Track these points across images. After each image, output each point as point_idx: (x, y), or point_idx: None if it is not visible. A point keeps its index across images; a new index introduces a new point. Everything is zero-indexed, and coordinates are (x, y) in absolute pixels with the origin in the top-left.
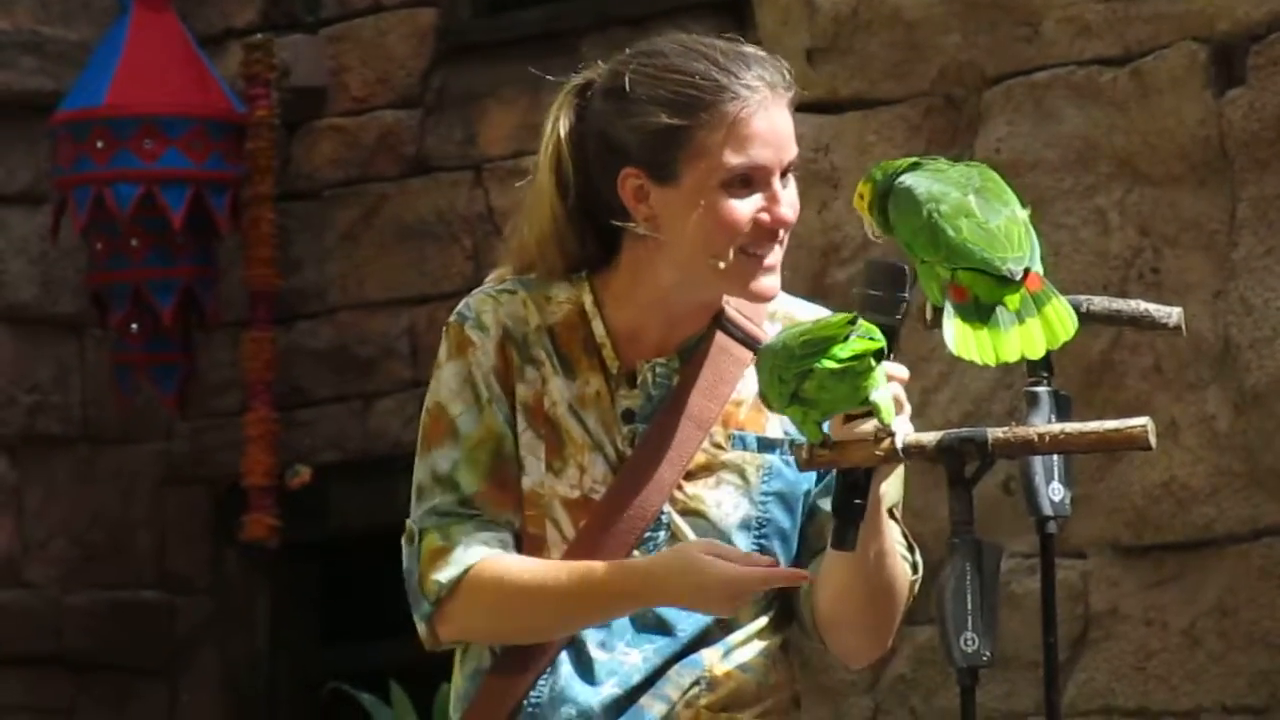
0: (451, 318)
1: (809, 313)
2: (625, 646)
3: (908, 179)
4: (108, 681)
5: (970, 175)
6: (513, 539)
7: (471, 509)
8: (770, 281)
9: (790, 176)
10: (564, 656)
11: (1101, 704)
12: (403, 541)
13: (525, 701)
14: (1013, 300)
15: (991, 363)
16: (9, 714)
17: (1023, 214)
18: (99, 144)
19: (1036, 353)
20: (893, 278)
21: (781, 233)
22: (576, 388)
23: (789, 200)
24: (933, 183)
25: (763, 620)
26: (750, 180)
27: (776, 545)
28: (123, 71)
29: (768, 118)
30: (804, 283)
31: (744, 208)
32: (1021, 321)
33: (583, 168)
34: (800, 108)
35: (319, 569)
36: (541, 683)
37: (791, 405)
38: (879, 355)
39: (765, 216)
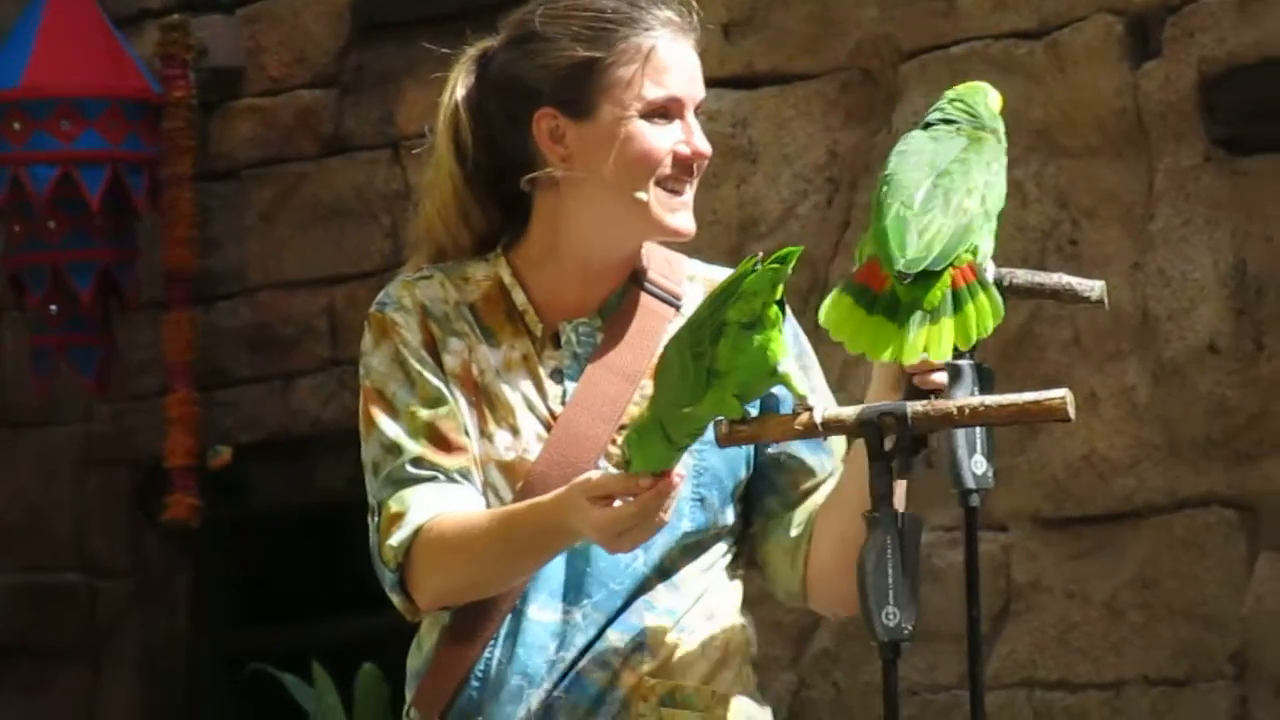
0: (371, 309)
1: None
2: (565, 605)
3: (910, 135)
4: (28, 665)
5: (959, 153)
6: (475, 490)
7: (425, 468)
8: (687, 218)
9: (698, 119)
10: (508, 623)
11: (1024, 676)
12: (368, 520)
13: (474, 671)
14: (931, 298)
15: (886, 359)
16: None
17: (972, 204)
18: (15, 125)
19: (942, 354)
20: None
21: (696, 168)
22: (502, 354)
23: (699, 138)
24: (912, 151)
25: (709, 579)
26: (667, 112)
27: (714, 493)
28: (39, 53)
29: (681, 51)
30: (722, 257)
31: (662, 138)
32: (935, 321)
33: (483, 131)
34: (717, 83)
35: (239, 549)
36: (487, 653)
37: (710, 387)
38: (783, 308)
39: (684, 148)
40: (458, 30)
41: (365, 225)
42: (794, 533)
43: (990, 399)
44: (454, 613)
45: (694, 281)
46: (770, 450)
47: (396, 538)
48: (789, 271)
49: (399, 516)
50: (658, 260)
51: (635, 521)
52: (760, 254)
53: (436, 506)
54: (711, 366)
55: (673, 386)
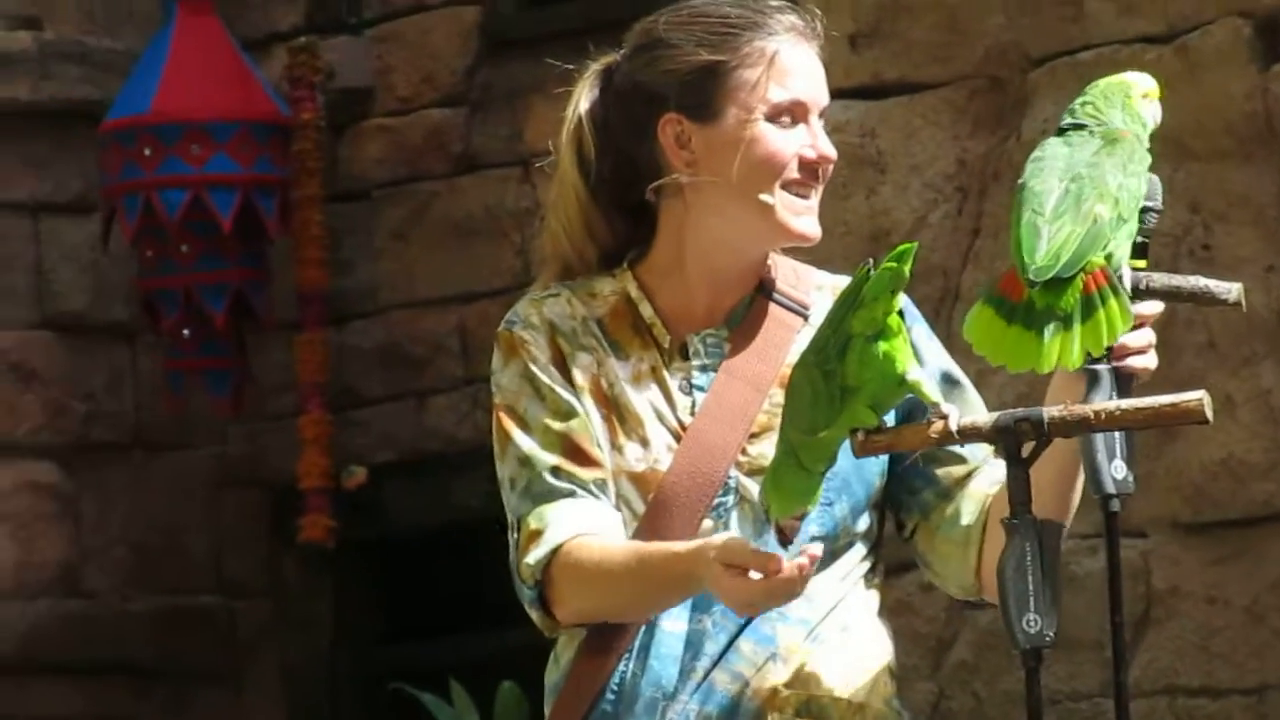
0: (500, 328)
1: None
2: (696, 614)
3: (1047, 142)
4: (169, 688)
5: (1091, 156)
6: (610, 504)
7: (563, 481)
8: (812, 223)
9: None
10: (641, 636)
11: (1166, 684)
12: (507, 537)
13: (609, 684)
14: (1064, 304)
15: (1022, 369)
16: None
17: (1104, 209)
18: (146, 151)
19: (1074, 361)
20: (1147, 188)
21: (821, 173)
22: (631, 367)
23: (825, 144)
24: (1046, 158)
25: (843, 589)
26: (792, 115)
27: (844, 499)
28: (168, 78)
29: (804, 56)
30: (853, 269)
31: (788, 141)
32: (1068, 328)
33: (606, 143)
34: (845, 93)
35: (376, 569)
36: (622, 666)
37: (844, 407)
38: (901, 315)
39: (809, 152)
40: (584, 46)
41: (496, 243)
42: (965, 522)
43: (1126, 403)
44: (590, 627)
45: (822, 291)
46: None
47: (534, 555)
48: (907, 271)
49: (537, 534)
50: (785, 271)
51: (765, 599)
52: (871, 260)
53: (575, 525)
54: (843, 384)
55: (805, 412)
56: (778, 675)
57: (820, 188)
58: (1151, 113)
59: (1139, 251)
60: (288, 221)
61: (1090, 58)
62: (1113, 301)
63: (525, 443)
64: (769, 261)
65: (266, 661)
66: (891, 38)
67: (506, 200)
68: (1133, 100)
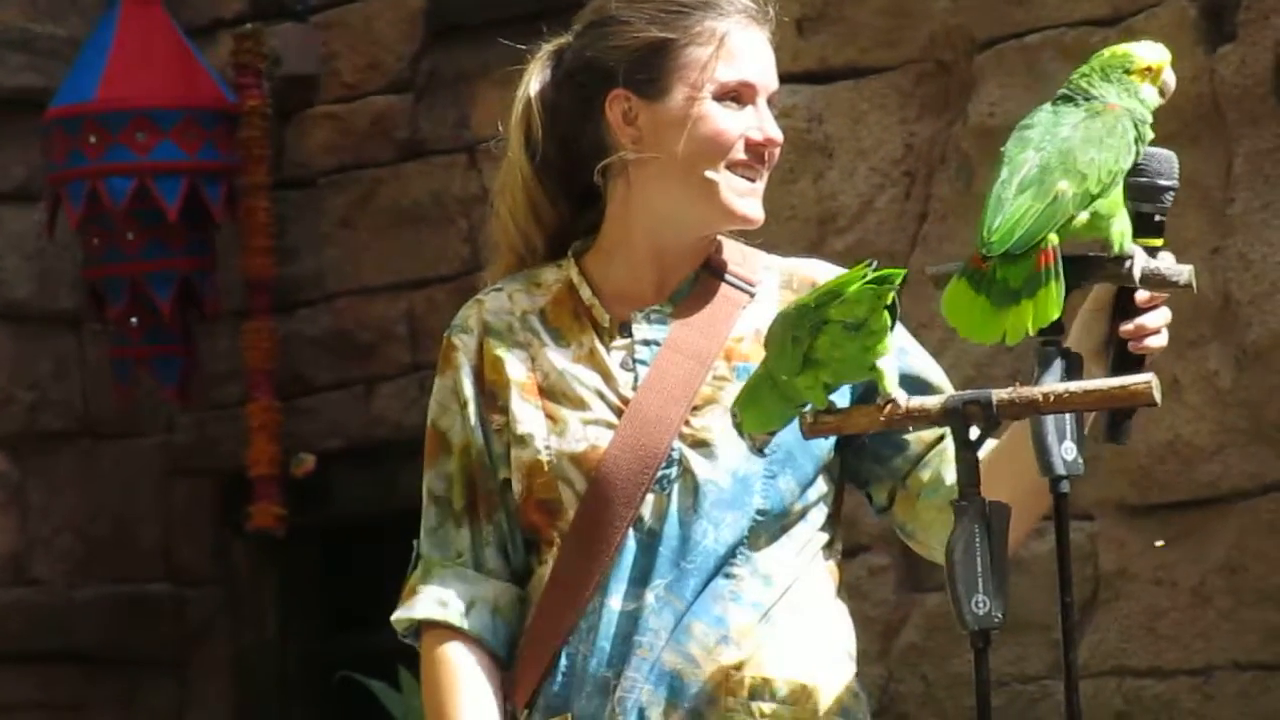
0: (446, 331)
1: (811, 269)
2: (637, 589)
3: (1036, 110)
4: (118, 676)
5: (1070, 130)
6: (497, 556)
7: (455, 540)
8: (755, 206)
9: (772, 111)
10: (588, 615)
11: (1114, 664)
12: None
13: (558, 664)
14: (1015, 275)
15: (973, 339)
16: (20, 711)
17: (1068, 185)
18: (91, 139)
19: (1015, 337)
20: (1160, 165)
21: (768, 156)
22: (571, 351)
23: (773, 128)
24: (1030, 128)
25: (799, 566)
26: (739, 96)
27: (789, 471)
28: (112, 65)
29: (754, 39)
30: (800, 253)
31: (734, 121)
32: (1017, 301)
33: (554, 125)
34: (792, 78)
35: (325, 556)
36: (569, 646)
37: (803, 371)
38: (894, 314)
39: (756, 134)
40: (531, 32)
41: (443, 229)
42: (950, 481)
43: (1075, 385)
44: (536, 607)
45: (770, 270)
46: None
47: (402, 612)
48: (893, 291)
49: (413, 592)
50: (732, 251)
51: None
52: (874, 262)
53: (439, 607)
54: (809, 354)
55: (774, 356)
56: (729, 657)
57: (766, 172)
58: (1150, 91)
59: (1155, 230)
60: (234, 209)
61: (1036, 41)
62: (1052, 284)
63: (436, 481)
64: (716, 244)
65: (215, 649)
66: (838, 22)
67: (453, 186)
68: (1132, 74)
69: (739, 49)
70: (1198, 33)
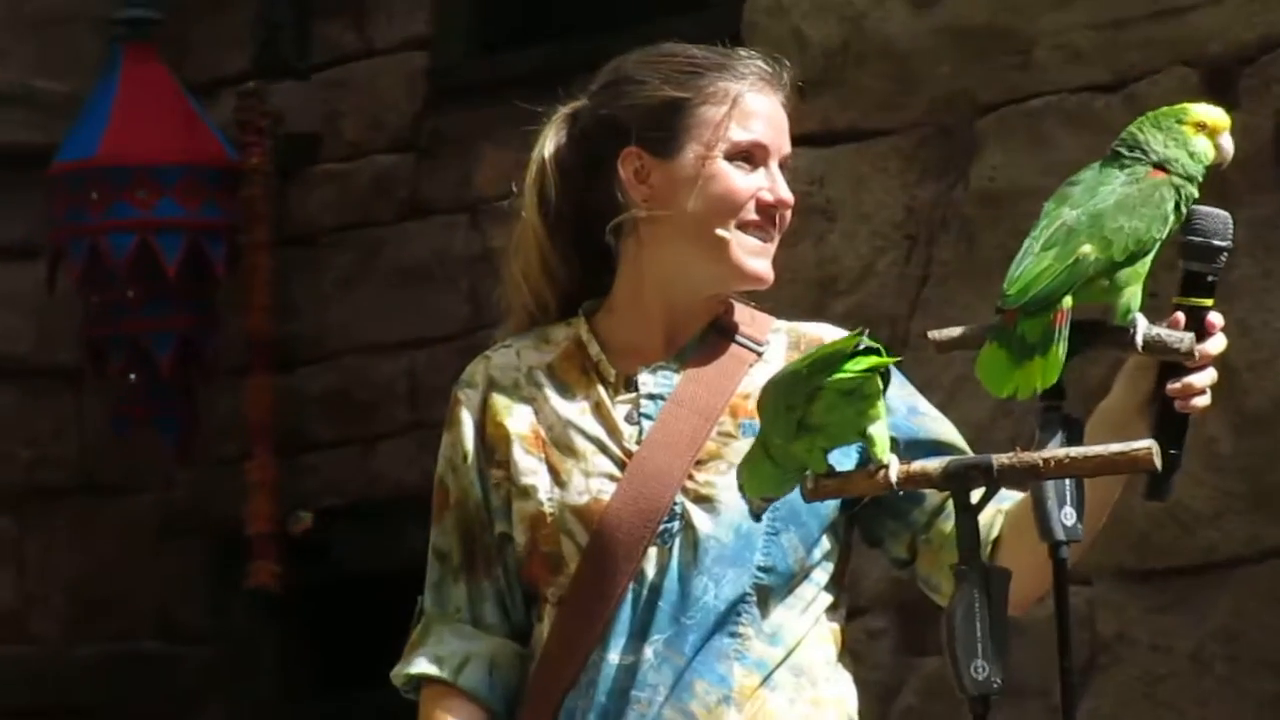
0: (454, 386)
1: (819, 331)
2: (636, 643)
3: (1087, 167)
4: None
5: (1107, 193)
6: (496, 611)
7: (455, 597)
8: (766, 265)
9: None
10: (588, 669)
11: None
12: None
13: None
14: (1031, 330)
15: (994, 394)
16: None
17: (1092, 249)
18: (93, 195)
19: (1027, 394)
20: (1215, 226)
21: (779, 219)
22: (577, 405)
23: (785, 191)
24: (1073, 185)
25: (803, 626)
26: (751, 157)
27: (793, 529)
28: (115, 122)
29: (768, 101)
30: (802, 316)
31: (746, 181)
32: (1031, 357)
33: (568, 186)
34: (793, 140)
35: (323, 615)
36: (569, 702)
37: (799, 438)
38: (885, 378)
39: (768, 195)
40: (533, 93)
41: (444, 289)
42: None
43: (1076, 450)
44: (537, 662)
45: (778, 333)
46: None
47: (400, 667)
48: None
49: (415, 646)
50: (741, 313)
51: None
52: (866, 331)
53: (434, 666)
54: (804, 420)
55: (768, 423)
56: (729, 718)
57: (777, 234)
58: (1204, 145)
59: (1207, 290)
60: (235, 267)
61: (1039, 106)
62: (1055, 349)
63: (439, 536)
64: (726, 306)
65: (212, 708)
66: (840, 85)
67: (455, 246)
68: (1184, 126)
69: (752, 110)
70: (1199, 99)
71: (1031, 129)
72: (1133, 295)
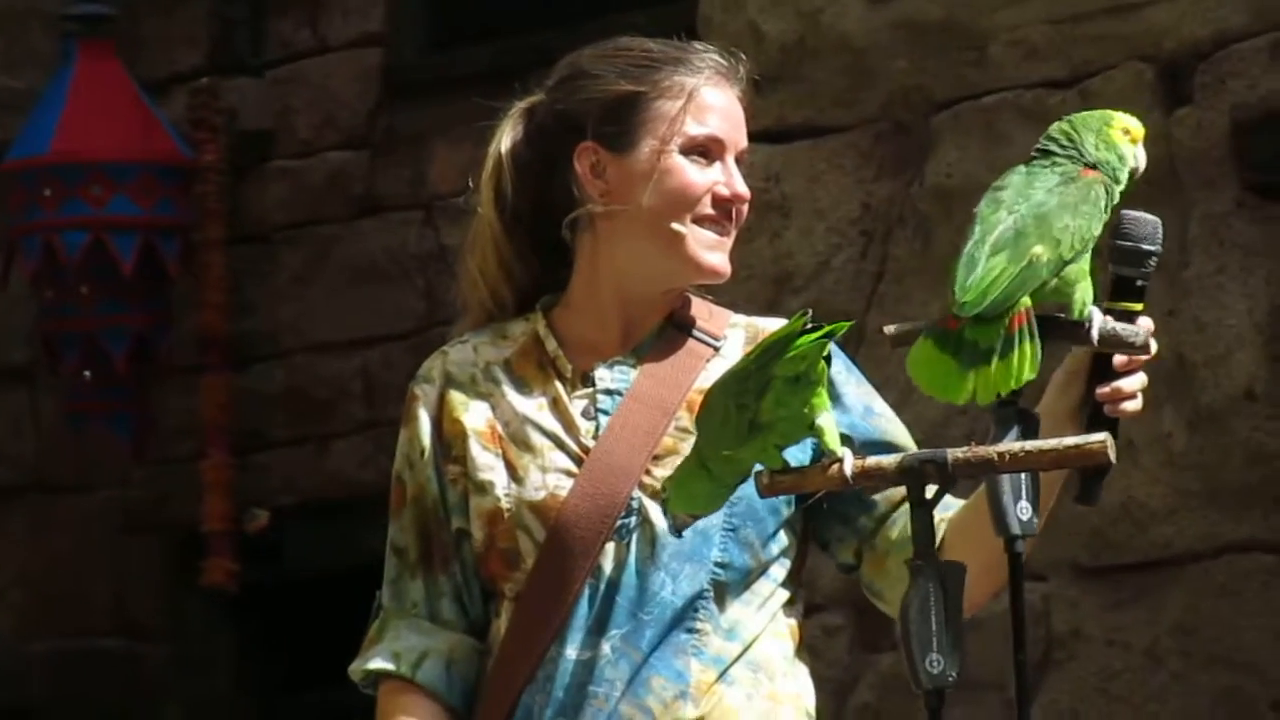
0: (410, 382)
1: (776, 326)
2: (594, 639)
3: (1011, 171)
4: None
5: (1045, 194)
6: (453, 607)
7: (412, 592)
8: (723, 259)
9: (741, 169)
10: (545, 665)
11: None
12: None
13: (515, 715)
14: (986, 336)
15: (943, 399)
16: None
17: (1044, 250)
18: (47, 192)
19: (987, 398)
20: (1144, 231)
21: (735, 213)
22: (533, 401)
23: (742, 185)
24: (1003, 188)
25: (760, 622)
26: (707, 151)
27: (750, 526)
28: (68, 118)
29: (724, 95)
30: (757, 313)
31: (701, 175)
32: (987, 363)
33: (524, 181)
34: (750, 137)
35: (279, 613)
36: (526, 697)
37: (751, 438)
38: (828, 361)
39: (724, 189)
40: (487, 90)
41: (399, 286)
42: None
43: (1031, 444)
44: (494, 657)
45: (736, 328)
46: None
47: (358, 663)
48: (832, 347)
49: (373, 642)
50: (699, 307)
51: None
52: (810, 312)
53: (389, 662)
54: (755, 419)
55: (715, 430)
56: (687, 713)
57: (734, 229)
58: (1130, 150)
59: (1137, 295)
60: (189, 264)
61: (994, 102)
62: (1027, 345)
63: (396, 532)
64: (683, 300)
65: (168, 706)
66: (796, 81)
67: (409, 243)
68: (1111, 130)
69: (708, 105)
70: (1154, 95)
71: (987, 125)
72: (1085, 290)
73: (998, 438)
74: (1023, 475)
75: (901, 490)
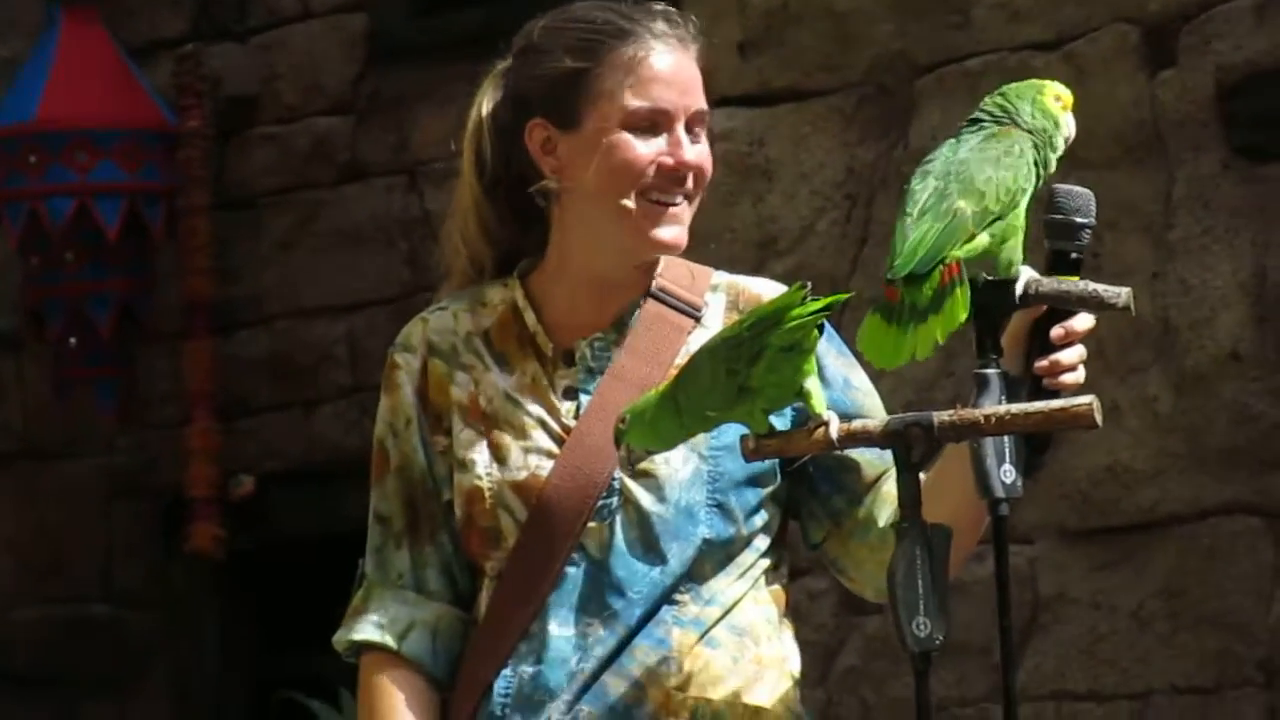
0: (389, 349)
1: (759, 287)
2: (585, 618)
3: (940, 144)
4: (57, 697)
5: (967, 152)
6: (439, 578)
7: (396, 562)
8: (673, 231)
9: (701, 132)
10: (530, 640)
11: (1052, 688)
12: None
13: (496, 688)
14: (921, 296)
15: (886, 366)
16: None
17: (967, 204)
18: (31, 159)
19: (925, 352)
20: (1077, 204)
21: (689, 182)
22: (514, 379)
23: (698, 150)
24: (932, 160)
25: (740, 589)
26: (653, 124)
27: (733, 499)
28: (53, 85)
29: (671, 62)
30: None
31: (645, 148)
32: (924, 320)
33: (500, 145)
34: (733, 101)
35: (265, 578)
36: (509, 671)
37: (738, 402)
38: (820, 330)
39: (668, 160)
40: (472, 55)
41: (383, 251)
42: (882, 524)
43: (1017, 407)
44: (477, 632)
45: (717, 291)
46: (832, 454)
47: (342, 633)
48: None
49: (357, 612)
50: (679, 272)
51: None
52: (809, 285)
53: (377, 630)
54: (744, 384)
55: (701, 391)
56: (671, 679)
57: (687, 195)
58: (1066, 118)
59: (1072, 268)
60: (173, 230)
61: (978, 65)
62: (957, 291)
63: (380, 500)
64: (662, 263)
65: (155, 671)
66: (780, 45)
67: (393, 209)
68: (1044, 97)
69: (652, 75)
70: (1139, 58)
71: (971, 88)
72: (1013, 249)
73: (979, 400)
74: (1006, 439)
75: (876, 471)
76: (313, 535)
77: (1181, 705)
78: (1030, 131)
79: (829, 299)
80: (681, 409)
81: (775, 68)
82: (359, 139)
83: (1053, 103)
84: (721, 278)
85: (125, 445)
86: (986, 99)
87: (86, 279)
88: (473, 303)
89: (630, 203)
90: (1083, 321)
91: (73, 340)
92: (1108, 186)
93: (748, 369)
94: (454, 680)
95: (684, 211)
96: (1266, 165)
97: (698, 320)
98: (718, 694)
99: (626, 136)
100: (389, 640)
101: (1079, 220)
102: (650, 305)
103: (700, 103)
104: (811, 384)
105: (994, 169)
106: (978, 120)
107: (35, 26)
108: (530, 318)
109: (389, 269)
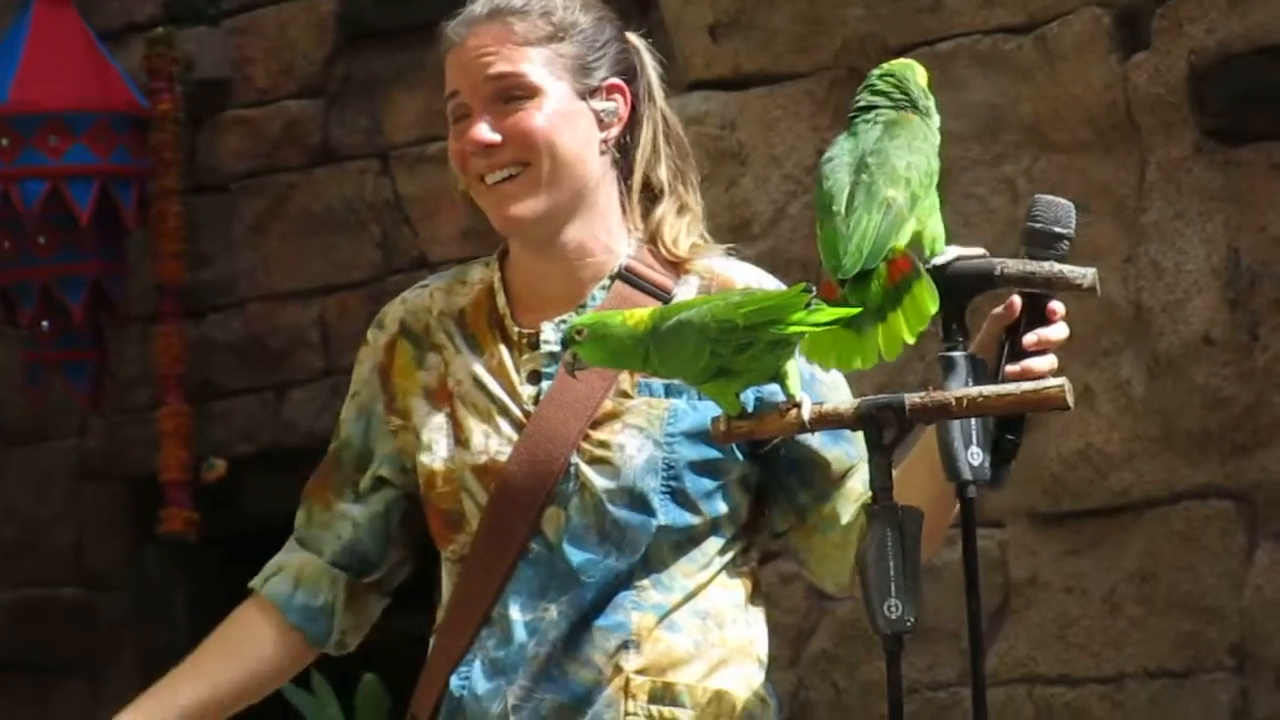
0: None
1: (731, 271)
2: (541, 602)
3: (836, 140)
4: (27, 680)
5: (874, 143)
6: (324, 535)
7: (311, 523)
8: (513, 207)
9: (523, 97)
10: (489, 626)
11: (1024, 673)
12: None
13: (457, 672)
14: (874, 296)
15: (850, 369)
16: None
17: (897, 193)
18: (3, 142)
19: (894, 351)
20: (1057, 214)
21: (506, 153)
22: (483, 361)
23: (509, 122)
24: (836, 155)
25: (703, 576)
26: (464, 111)
27: (690, 486)
28: (25, 68)
29: (463, 48)
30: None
31: (455, 139)
32: (883, 318)
33: None
34: (705, 85)
35: (237, 561)
36: (469, 655)
37: (713, 380)
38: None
39: (467, 145)
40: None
41: (355, 235)
42: (845, 521)
43: (988, 389)
44: (440, 619)
45: (689, 274)
46: (801, 448)
47: (261, 575)
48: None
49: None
50: (650, 254)
51: None
52: (814, 288)
53: (261, 573)
54: (725, 366)
55: (679, 360)
56: (631, 662)
57: (511, 166)
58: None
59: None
60: (145, 214)
61: (949, 48)
62: (918, 285)
63: (326, 465)
64: (634, 243)
65: (126, 654)
66: (751, 28)
67: (365, 192)
68: (918, 76)
69: (451, 64)
70: (1112, 41)
71: (943, 72)
72: (936, 228)
73: (948, 384)
74: (973, 421)
75: (842, 467)
76: (284, 519)
77: (1153, 689)
78: (923, 112)
79: (839, 312)
80: (650, 362)
81: (747, 51)
82: (331, 122)
83: (924, 82)
84: (699, 263)
85: (97, 428)
86: (876, 79)
87: (59, 262)
88: (454, 281)
89: (472, 190)
90: (1058, 332)
91: (45, 323)
92: (1080, 170)
93: (732, 355)
94: (321, 629)
95: (516, 185)
96: (1239, 149)
97: (666, 304)
98: (678, 677)
99: (453, 129)
100: (257, 582)
101: (1058, 230)
102: (618, 286)
103: (497, 67)
104: (789, 366)
105: (910, 154)
106: (872, 107)
107: (7, 10)
108: (501, 300)
109: (361, 252)
